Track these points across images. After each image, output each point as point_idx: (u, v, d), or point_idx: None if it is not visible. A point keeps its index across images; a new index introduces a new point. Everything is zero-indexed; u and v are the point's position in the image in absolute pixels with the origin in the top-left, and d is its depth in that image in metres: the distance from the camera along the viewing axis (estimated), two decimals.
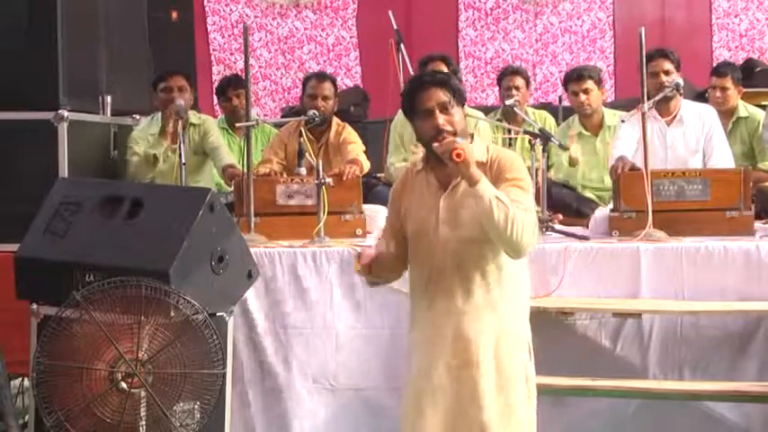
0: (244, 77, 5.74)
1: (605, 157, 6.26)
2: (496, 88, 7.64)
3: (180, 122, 5.93)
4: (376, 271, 3.69)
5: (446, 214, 3.62)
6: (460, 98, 3.65)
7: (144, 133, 6.38)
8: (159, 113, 6.41)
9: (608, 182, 6.27)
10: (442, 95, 3.60)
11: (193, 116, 6.55)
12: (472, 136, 3.69)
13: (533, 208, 3.57)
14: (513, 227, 3.40)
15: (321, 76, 6.50)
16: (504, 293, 3.62)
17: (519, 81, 7.09)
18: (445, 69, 6.35)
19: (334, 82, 6.49)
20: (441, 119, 3.58)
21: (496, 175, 3.59)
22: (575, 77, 6.58)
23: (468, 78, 9.33)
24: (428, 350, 3.65)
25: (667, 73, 5.99)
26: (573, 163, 6.22)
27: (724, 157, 6.00)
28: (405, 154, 6.51)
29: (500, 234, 3.44)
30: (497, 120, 7.02)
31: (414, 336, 3.75)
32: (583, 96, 6.51)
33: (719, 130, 6.10)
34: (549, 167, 5.82)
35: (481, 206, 3.43)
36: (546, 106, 8.12)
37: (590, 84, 6.52)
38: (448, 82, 3.64)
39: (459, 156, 3.41)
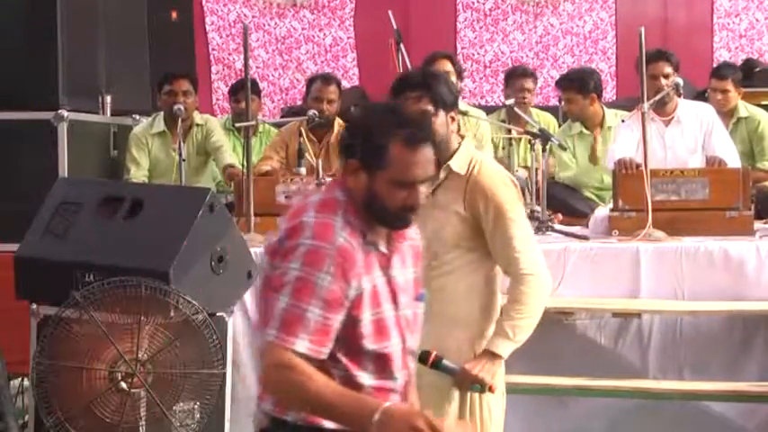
0: (247, 79, 5.73)
1: (605, 157, 6.25)
2: (496, 92, 7.60)
3: (181, 125, 5.96)
4: None
5: None
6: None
7: (145, 133, 6.38)
8: (161, 113, 6.41)
9: (607, 181, 6.26)
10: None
11: (197, 116, 6.56)
12: (462, 137, 3.50)
13: None
14: None
15: (327, 79, 6.42)
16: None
17: (530, 84, 7.10)
18: (450, 67, 6.33)
19: (339, 85, 6.46)
20: None
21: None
22: (559, 85, 6.55)
23: (467, 81, 9.26)
24: None
25: (667, 76, 5.97)
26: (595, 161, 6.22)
27: (727, 152, 5.97)
28: None
29: None
30: (501, 120, 7.00)
31: None
32: (567, 105, 6.47)
33: (719, 125, 6.06)
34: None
35: None
36: (547, 110, 8.07)
37: (571, 94, 6.41)
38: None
39: None
